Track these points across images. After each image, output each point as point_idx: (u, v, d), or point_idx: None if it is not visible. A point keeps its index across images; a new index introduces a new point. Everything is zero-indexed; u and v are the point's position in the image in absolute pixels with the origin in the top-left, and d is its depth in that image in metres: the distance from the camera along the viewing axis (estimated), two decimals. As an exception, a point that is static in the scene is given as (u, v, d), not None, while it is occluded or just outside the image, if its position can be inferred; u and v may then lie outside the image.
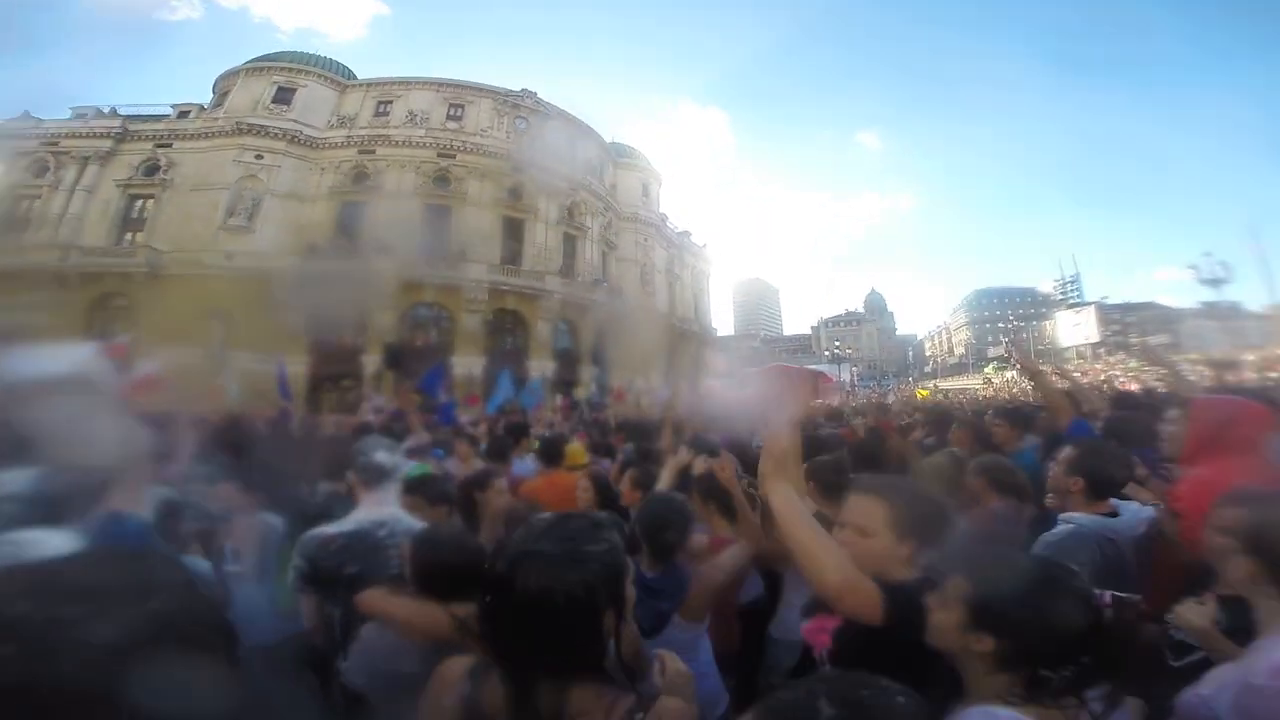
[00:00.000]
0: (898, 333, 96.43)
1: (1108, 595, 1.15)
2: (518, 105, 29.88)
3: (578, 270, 29.27)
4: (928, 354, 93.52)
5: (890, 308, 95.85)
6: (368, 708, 1.76)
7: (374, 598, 1.80)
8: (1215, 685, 1.28)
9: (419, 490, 2.52)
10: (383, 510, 2.26)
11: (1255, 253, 33.65)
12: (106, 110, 26.81)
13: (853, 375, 39.82)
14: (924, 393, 28.10)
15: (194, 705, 0.54)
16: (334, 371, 21.07)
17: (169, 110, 27.53)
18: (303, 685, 2.24)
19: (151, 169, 25.47)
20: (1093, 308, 67.40)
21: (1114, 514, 2.12)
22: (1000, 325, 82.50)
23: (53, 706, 0.50)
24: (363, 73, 30.23)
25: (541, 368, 23.71)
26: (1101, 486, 2.19)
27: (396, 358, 20.62)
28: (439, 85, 29.30)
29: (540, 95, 30.69)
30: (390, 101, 28.53)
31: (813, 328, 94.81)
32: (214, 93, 28.61)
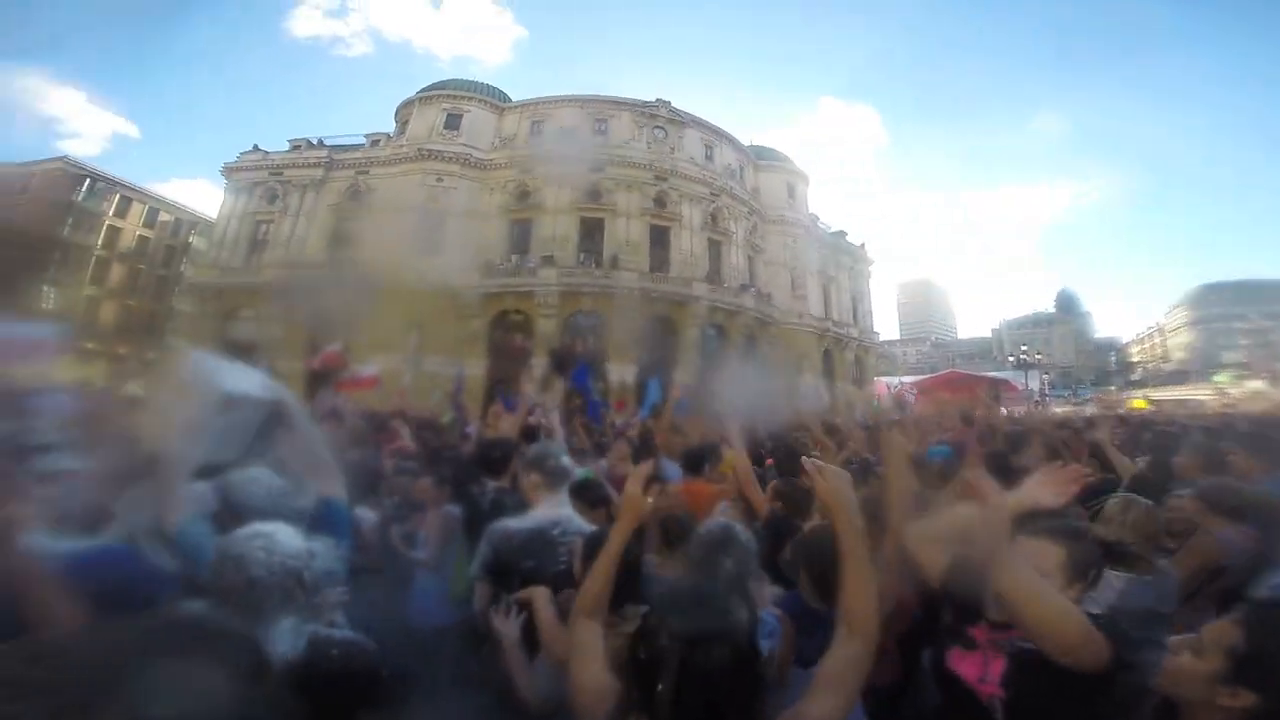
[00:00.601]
0: (1096, 335, 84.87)
1: None
2: (654, 115, 31.11)
3: (724, 276, 29.82)
4: (1135, 359, 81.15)
5: (1085, 307, 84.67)
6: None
7: (535, 595, 1.96)
8: None
9: (581, 494, 2.70)
10: (558, 510, 2.47)
11: None
12: (315, 142, 32.28)
13: (1043, 383, 36.13)
14: (1141, 403, 25.03)
15: None
16: (507, 375, 23.72)
17: (363, 140, 32.41)
18: (467, 665, 2.53)
19: (355, 194, 30.21)
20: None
21: None
22: (1238, 326, 69.27)
23: None
24: (515, 94, 33.06)
25: (689, 374, 24.62)
26: None
27: (560, 363, 22.60)
28: (582, 102, 31.36)
29: (674, 104, 31.72)
30: (542, 120, 30.99)
31: (994, 330, 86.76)
32: (396, 121, 32.80)
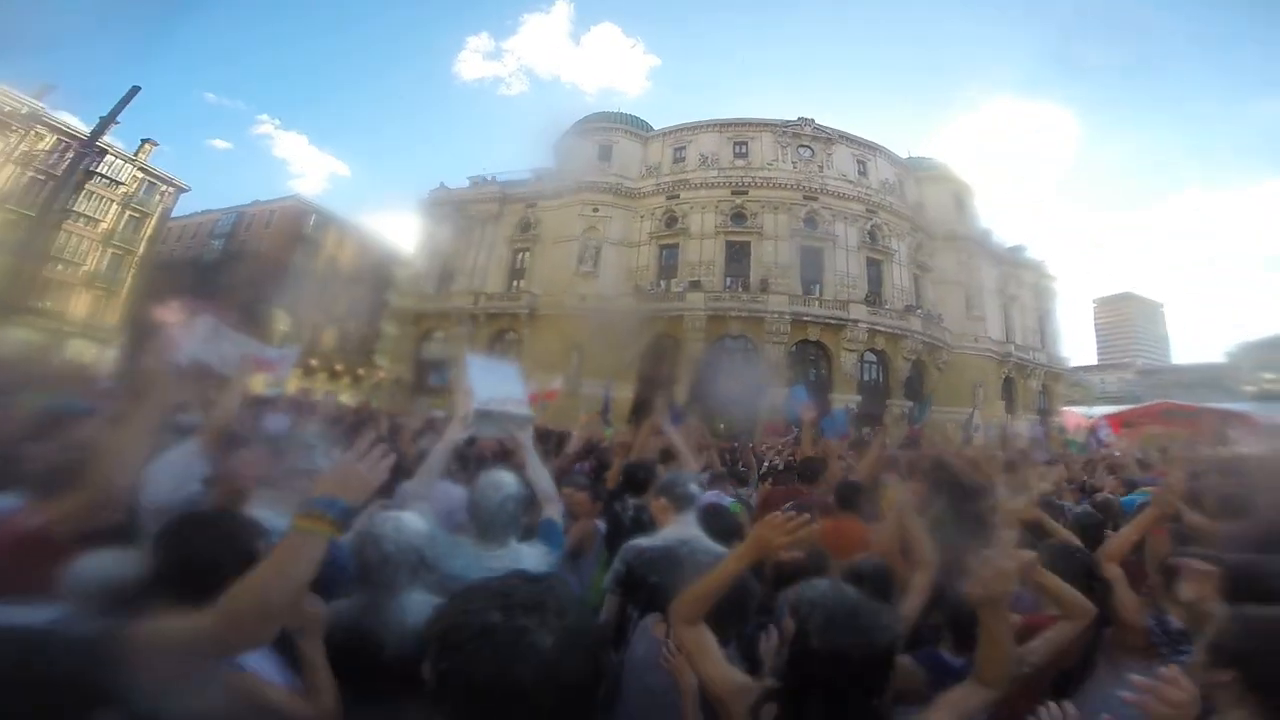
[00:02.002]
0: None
1: None
2: (798, 134, 30.53)
3: (886, 296, 28.37)
4: None
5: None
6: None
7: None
8: None
9: (708, 522, 2.80)
10: (686, 530, 2.67)
11: None
12: (490, 178, 35.94)
13: (1287, 417, 29.65)
14: None
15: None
16: (653, 397, 24.51)
17: (530, 175, 35.48)
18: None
19: (525, 226, 33.04)
20: None
21: None
22: None
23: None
24: (658, 123, 34.21)
25: (845, 400, 23.74)
26: None
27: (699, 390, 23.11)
28: (721, 126, 31.63)
29: (817, 121, 30.91)
30: (684, 147, 31.68)
31: (1227, 354, 72.83)
32: (555, 155, 34.93)
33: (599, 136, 32.94)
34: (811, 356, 26.32)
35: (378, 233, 48.61)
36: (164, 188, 39.06)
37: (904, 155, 33.71)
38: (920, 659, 2.03)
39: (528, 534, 2.43)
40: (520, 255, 32.76)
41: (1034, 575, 1.90)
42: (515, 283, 31.88)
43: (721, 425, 22.83)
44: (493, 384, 2.77)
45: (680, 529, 2.67)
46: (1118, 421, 21.43)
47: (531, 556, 2.23)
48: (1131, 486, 5.25)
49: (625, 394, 21.29)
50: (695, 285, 27.09)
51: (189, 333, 3.21)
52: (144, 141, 37.67)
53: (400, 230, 64.72)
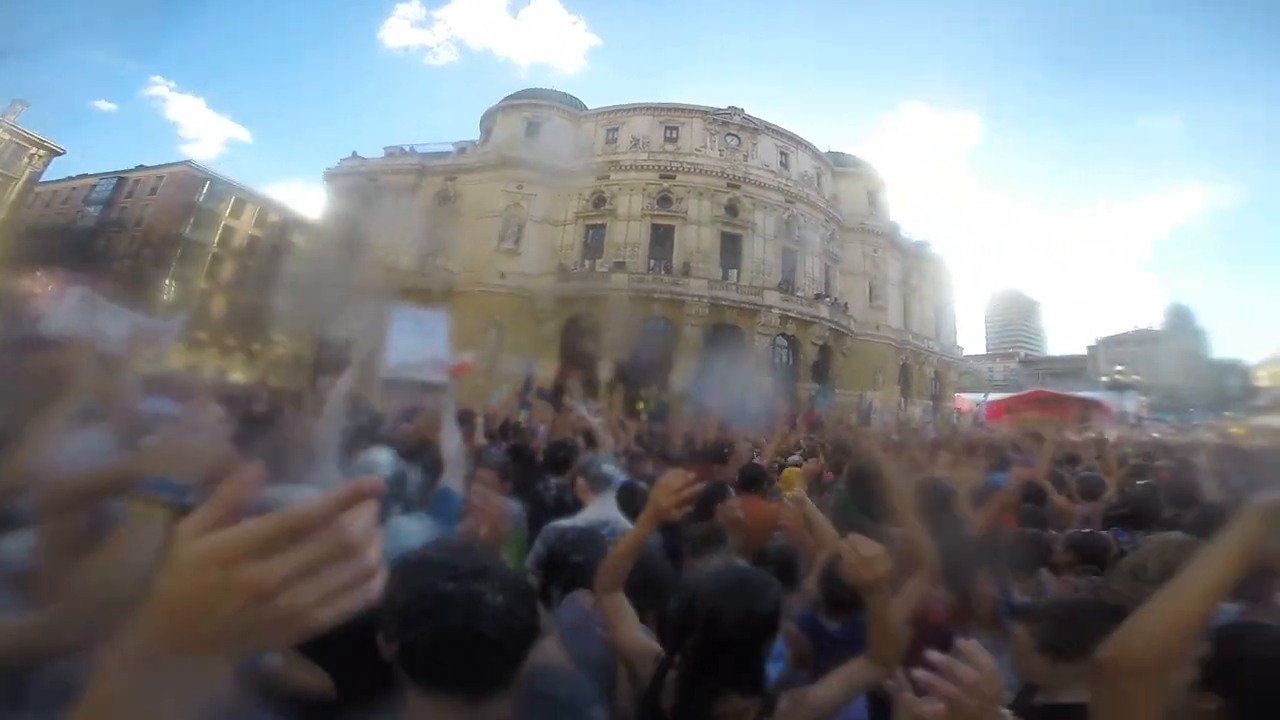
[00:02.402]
0: (1213, 356, 77.24)
1: None
2: (726, 123, 31.17)
3: (798, 284, 29.58)
4: (1263, 384, 73.30)
5: (1200, 324, 77.16)
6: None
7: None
8: None
9: (622, 502, 2.88)
10: (605, 511, 2.73)
11: None
12: (408, 149, 34.41)
13: (1140, 405, 33.65)
14: (1241, 430, 22.97)
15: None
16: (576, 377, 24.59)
17: (451, 148, 34.24)
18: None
19: (444, 199, 31.86)
20: None
21: None
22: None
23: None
24: (592, 102, 33.83)
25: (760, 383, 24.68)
26: None
27: (626, 369, 23.31)
28: (654, 109, 31.75)
29: (747, 111, 31.67)
30: (616, 129, 31.56)
31: (1089, 347, 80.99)
32: (481, 129, 34.18)
33: (529, 112, 32.26)
34: (726, 339, 27.13)
35: (280, 203, 45.47)
36: (34, 150, 34.96)
37: (824, 149, 35.07)
38: (801, 623, 2.19)
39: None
40: (438, 230, 31.66)
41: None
42: (431, 258, 30.80)
43: (642, 405, 23.11)
44: (413, 346, 2.65)
45: (599, 510, 2.74)
46: (1001, 407, 23.48)
47: (414, 532, 2.08)
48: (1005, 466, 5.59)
49: (547, 373, 21.11)
50: (620, 266, 27.21)
51: (57, 303, 2.86)
52: (14, 102, 33.77)
53: (306, 201, 60.75)
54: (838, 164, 35.15)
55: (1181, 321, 73.74)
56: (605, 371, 23.44)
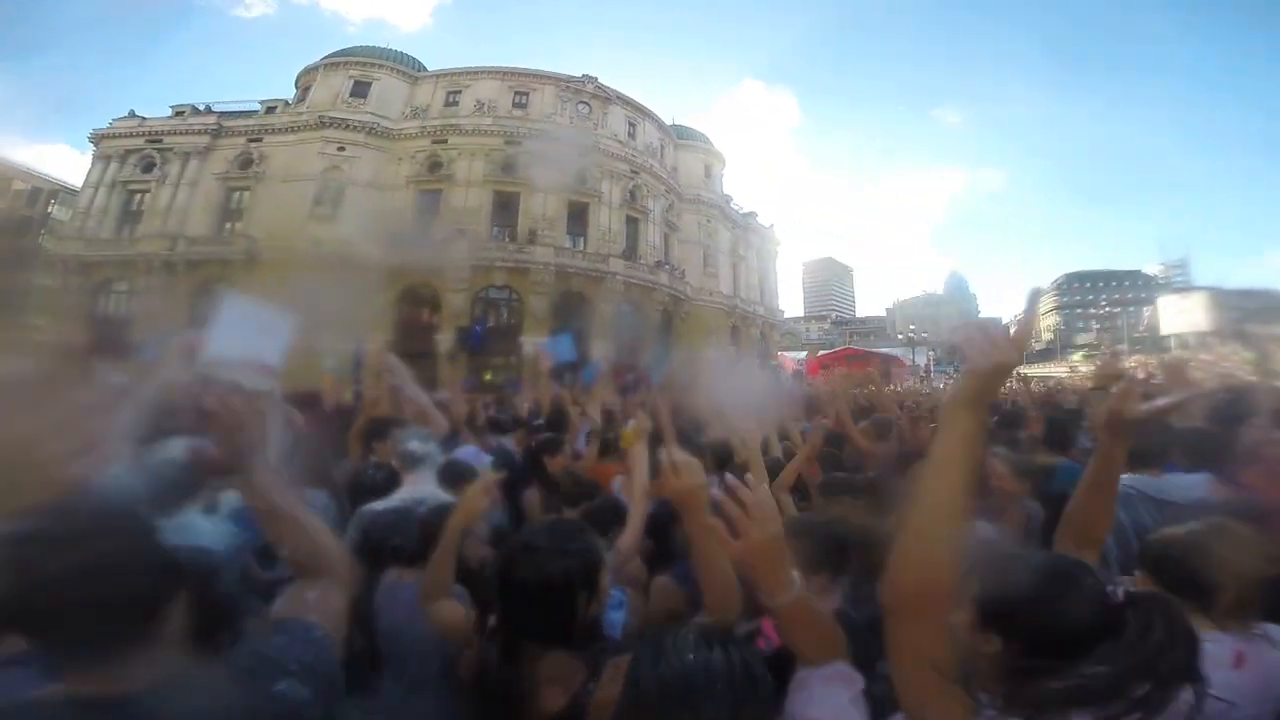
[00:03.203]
0: (980, 316, 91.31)
1: (1121, 590, 1.04)
2: (579, 91, 30.13)
3: (640, 253, 29.42)
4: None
5: (973, 289, 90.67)
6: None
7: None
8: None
9: (443, 476, 2.75)
10: (420, 489, 2.54)
11: None
12: (202, 108, 29.02)
13: (929, 360, 38.19)
14: None
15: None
16: (411, 350, 22.28)
17: (258, 106, 29.43)
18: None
19: (246, 162, 27.35)
20: (1203, 293, 61.43)
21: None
22: (1093, 311, 76.62)
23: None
24: (432, 64, 31.17)
25: (604, 349, 24.11)
26: (1145, 453, 2.20)
27: (467, 339, 21.49)
28: (504, 74, 29.80)
29: (601, 80, 30.76)
30: (459, 91, 29.33)
31: (888, 309, 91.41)
32: (297, 88, 30.25)
33: (357, 71, 28.82)
34: (574, 306, 26.21)
35: (29, 165, 36.87)
36: None
37: (669, 121, 34.98)
38: (675, 575, 2.12)
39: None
40: (238, 195, 26.98)
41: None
42: (230, 225, 26.22)
43: (488, 376, 21.69)
44: (238, 339, 2.13)
45: (414, 488, 2.59)
46: (817, 364, 25.10)
47: (205, 531, 1.88)
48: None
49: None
50: (459, 234, 24.95)
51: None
52: None
53: (66, 164, 50.51)
54: (680, 136, 35.34)
55: (958, 287, 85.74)
56: (445, 343, 21.46)
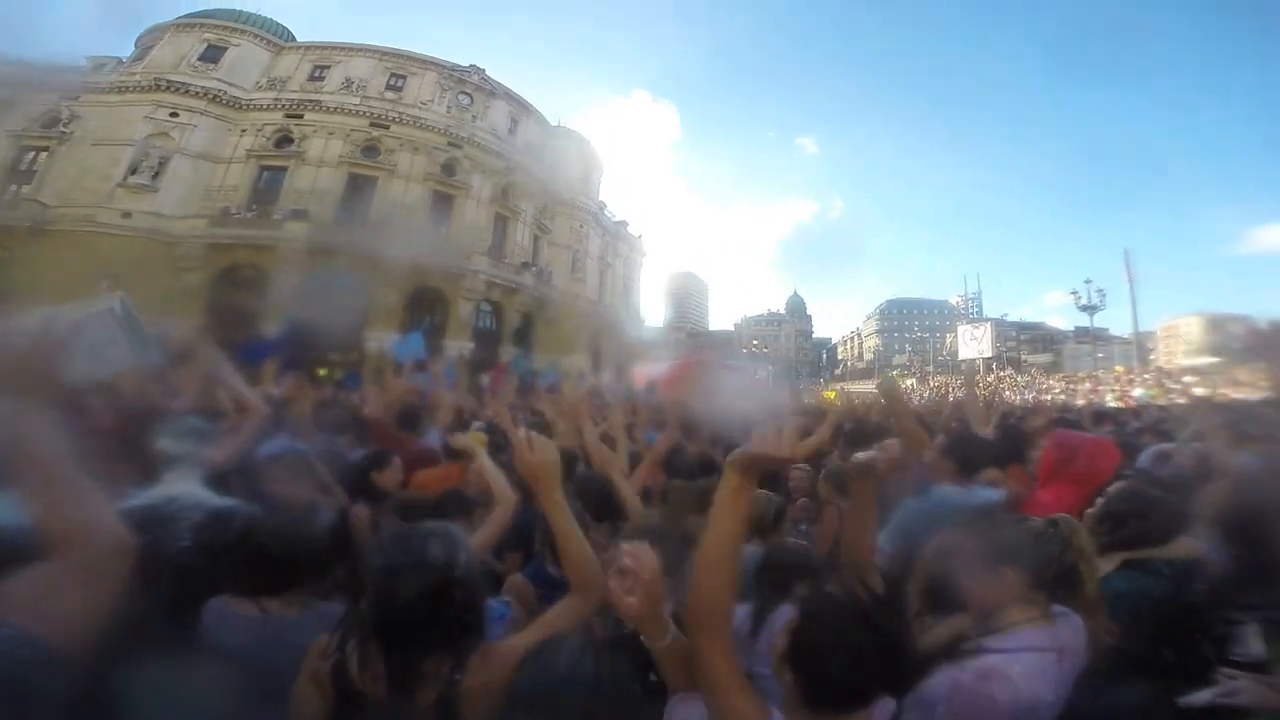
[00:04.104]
0: (814, 335, 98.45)
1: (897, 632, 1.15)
2: (463, 81, 28.46)
3: (507, 252, 28.12)
4: (840, 358, 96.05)
5: (809, 310, 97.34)
6: None
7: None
8: (935, 684, 1.31)
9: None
10: (175, 487, 2.22)
11: (1128, 279, 35.83)
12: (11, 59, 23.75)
13: (768, 374, 40.30)
14: (831, 394, 28.59)
15: None
16: (231, 338, 19.39)
17: (84, 62, 24.64)
18: None
19: (51, 121, 22.69)
20: (989, 324, 70.73)
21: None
22: (907, 335, 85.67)
23: None
24: (305, 36, 28.19)
25: (459, 347, 22.62)
26: (969, 466, 2.30)
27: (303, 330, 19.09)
28: (381, 54, 27.49)
29: (488, 73, 29.34)
30: (328, 66, 26.65)
31: (735, 325, 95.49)
32: (136, 47, 26.00)
33: (212, 34, 25.25)
34: (429, 302, 24.38)
35: None
36: None
37: (554, 123, 33.88)
38: (526, 574, 2.23)
39: None
40: (33, 155, 22.26)
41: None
42: (16, 188, 21.59)
43: (325, 371, 19.57)
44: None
45: (169, 486, 2.19)
46: (673, 374, 25.41)
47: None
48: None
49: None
50: (300, 215, 22.22)
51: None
52: None
53: None
54: (563, 138, 34.29)
55: (797, 307, 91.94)
56: (271, 331, 18.97)
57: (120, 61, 25.05)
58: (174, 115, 23.23)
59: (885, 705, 1.13)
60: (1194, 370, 32.05)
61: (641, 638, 1.23)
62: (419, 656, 1.20)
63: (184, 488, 2.19)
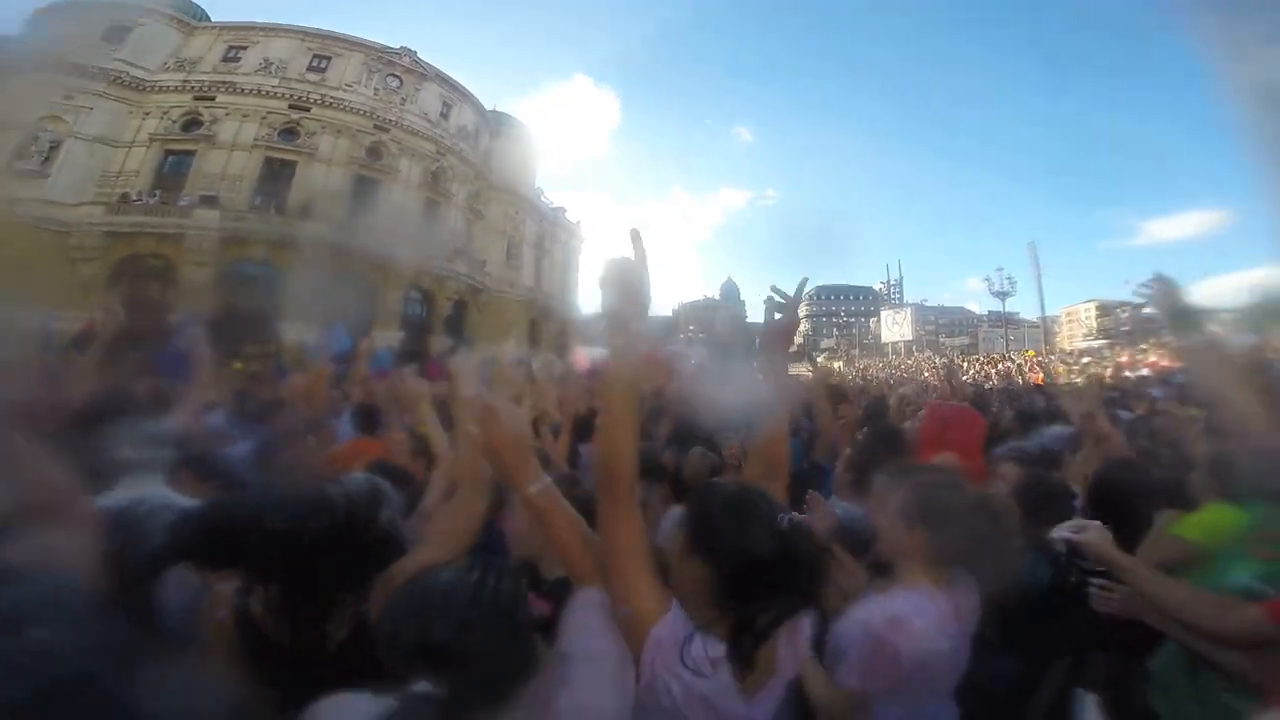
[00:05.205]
0: (748, 320, 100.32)
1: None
2: (393, 63, 27.26)
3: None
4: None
5: (744, 296, 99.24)
6: None
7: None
8: (850, 623, 1.36)
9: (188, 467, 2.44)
10: (142, 489, 2.14)
11: (1034, 269, 38.25)
12: None
13: (704, 358, 40.78)
14: None
15: None
16: (137, 331, 18.27)
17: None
18: None
19: (-89, 100, 20.39)
20: (909, 309, 74.20)
21: None
22: (835, 320, 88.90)
23: None
24: (221, 16, 26.36)
25: (387, 337, 22.05)
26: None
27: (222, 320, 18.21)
28: (304, 34, 25.94)
29: (420, 55, 28.12)
30: (245, 47, 24.99)
31: (674, 311, 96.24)
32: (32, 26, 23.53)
33: (115, 12, 23.16)
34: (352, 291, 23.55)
35: None
36: None
37: (490, 107, 32.90)
38: None
39: None
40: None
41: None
42: None
43: (240, 365, 18.59)
44: None
45: (134, 489, 2.10)
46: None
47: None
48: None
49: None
50: (209, 200, 20.97)
51: None
52: None
53: None
54: (498, 124, 33.39)
55: (731, 293, 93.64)
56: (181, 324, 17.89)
57: (6, 40, 22.75)
58: (68, 98, 21.37)
59: (803, 623, 1.15)
60: (1088, 352, 34.57)
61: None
62: (321, 597, 1.21)
63: (150, 489, 2.17)
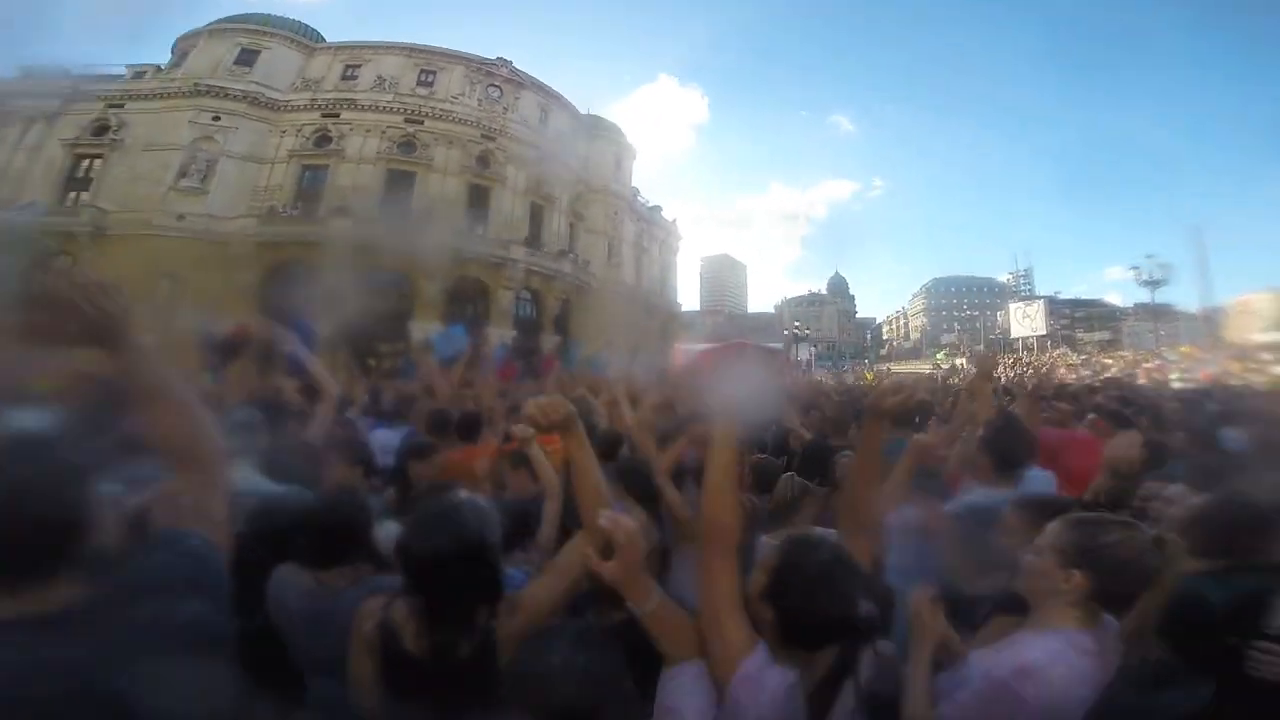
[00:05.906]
0: (858, 315, 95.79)
1: (866, 607, 1.13)
2: (491, 73, 28.22)
3: (544, 240, 27.84)
4: (885, 337, 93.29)
5: (852, 290, 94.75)
6: None
7: None
8: (970, 668, 1.30)
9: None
10: (247, 477, 2.26)
11: (1196, 255, 33.24)
12: (55, 69, 24.59)
13: (811, 355, 39.04)
14: (871, 375, 27.44)
15: None
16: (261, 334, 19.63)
17: (123, 70, 25.32)
18: None
19: (101, 129, 23.34)
20: (1042, 301, 67.32)
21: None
22: (955, 314, 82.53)
23: None
24: (333, 37, 28.27)
25: (501, 336, 22.46)
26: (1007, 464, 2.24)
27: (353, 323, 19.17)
28: (410, 50, 27.47)
29: (515, 64, 28.97)
30: (359, 65, 26.71)
31: (776, 306, 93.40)
32: (173, 53, 26.51)
33: (245, 38, 25.47)
34: (470, 293, 24.33)
35: None
36: None
37: (583, 111, 33.32)
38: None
39: None
40: (88, 163, 22.95)
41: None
42: (74, 195, 22.28)
43: (373, 362, 19.55)
44: None
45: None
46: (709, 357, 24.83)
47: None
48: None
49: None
50: (342, 211, 22.36)
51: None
52: None
53: None
54: (593, 127, 33.71)
55: (839, 287, 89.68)
56: (325, 327, 19.01)
57: (159, 69, 25.54)
58: (216, 119, 23.63)
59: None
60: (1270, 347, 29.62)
61: (628, 604, 1.23)
62: (458, 612, 1.29)
63: (240, 474, 2.21)
